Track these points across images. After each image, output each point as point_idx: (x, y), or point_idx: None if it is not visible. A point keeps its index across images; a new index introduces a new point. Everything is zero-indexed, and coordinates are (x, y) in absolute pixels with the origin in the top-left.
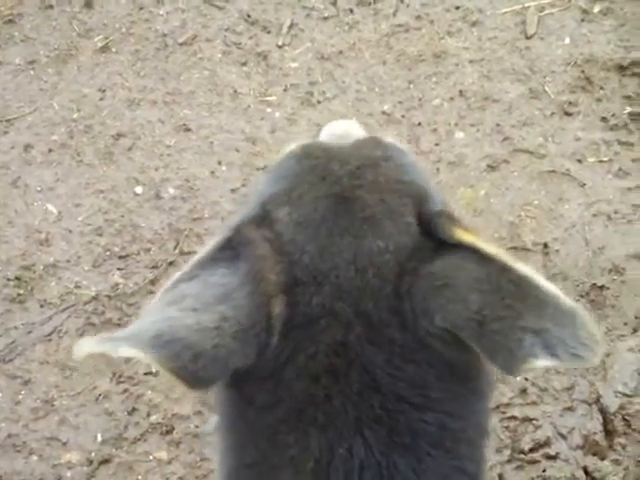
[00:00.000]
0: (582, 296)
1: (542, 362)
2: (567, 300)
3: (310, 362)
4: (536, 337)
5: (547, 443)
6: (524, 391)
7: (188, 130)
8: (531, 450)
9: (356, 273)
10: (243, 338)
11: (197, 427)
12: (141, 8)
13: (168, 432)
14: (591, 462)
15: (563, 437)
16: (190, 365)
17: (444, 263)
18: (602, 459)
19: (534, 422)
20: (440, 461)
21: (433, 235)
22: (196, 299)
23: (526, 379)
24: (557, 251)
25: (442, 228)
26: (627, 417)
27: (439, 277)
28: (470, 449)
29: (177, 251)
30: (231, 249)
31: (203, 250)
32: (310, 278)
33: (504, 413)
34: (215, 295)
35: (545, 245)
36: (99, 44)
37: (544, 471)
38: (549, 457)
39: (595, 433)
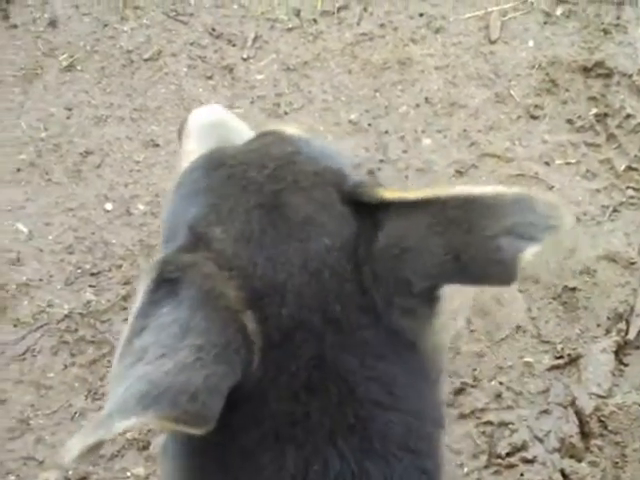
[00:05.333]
0: (554, 299)
1: (527, 252)
2: (509, 191)
3: (292, 381)
4: (508, 236)
5: (524, 447)
6: (499, 396)
7: (156, 145)
8: (508, 454)
9: (310, 278)
10: (225, 358)
11: None
12: (105, 25)
13: (144, 447)
14: (568, 465)
15: (540, 440)
16: (190, 407)
17: (388, 230)
18: (579, 461)
19: (510, 426)
20: (405, 463)
21: (364, 209)
22: (158, 347)
23: (500, 383)
24: None
25: (367, 195)
26: (602, 418)
27: (392, 246)
28: (429, 446)
29: None
30: (167, 283)
31: (137, 300)
32: (271, 289)
33: (479, 418)
34: (173, 334)
35: None
36: (64, 63)
37: (522, 475)
38: (526, 461)
39: (571, 436)
